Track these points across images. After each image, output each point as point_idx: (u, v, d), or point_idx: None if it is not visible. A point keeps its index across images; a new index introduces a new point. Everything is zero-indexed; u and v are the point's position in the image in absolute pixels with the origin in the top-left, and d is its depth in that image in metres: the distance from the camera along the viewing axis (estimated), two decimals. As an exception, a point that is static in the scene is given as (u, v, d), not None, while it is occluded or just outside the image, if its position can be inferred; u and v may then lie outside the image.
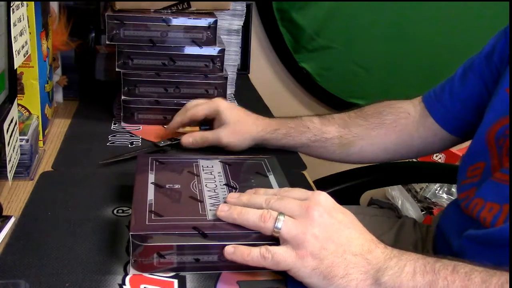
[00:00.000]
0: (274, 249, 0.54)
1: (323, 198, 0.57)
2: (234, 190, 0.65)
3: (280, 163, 0.74)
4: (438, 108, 0.85)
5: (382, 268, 0.52)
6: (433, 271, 0.51)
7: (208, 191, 0.65)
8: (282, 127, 0.88)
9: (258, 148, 0.88)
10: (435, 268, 0.51)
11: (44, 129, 0.87)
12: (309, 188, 0.79)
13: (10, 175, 0.67)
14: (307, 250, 0.53)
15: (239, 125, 0.86)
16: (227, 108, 0.87)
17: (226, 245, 0.57)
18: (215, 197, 0.63)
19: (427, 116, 0.86)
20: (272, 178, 0.69)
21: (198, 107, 0.88)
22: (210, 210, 0.60)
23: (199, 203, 0.62)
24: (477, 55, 0.82)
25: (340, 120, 0.89)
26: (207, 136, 0.87)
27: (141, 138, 0.93)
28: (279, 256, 0.54)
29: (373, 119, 0.88)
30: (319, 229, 0.54)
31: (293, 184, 0.68)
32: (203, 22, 0.94)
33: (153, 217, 0.58)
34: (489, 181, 0.69)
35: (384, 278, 0.51)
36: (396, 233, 0.92)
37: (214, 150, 0.90)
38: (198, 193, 0.64)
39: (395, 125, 0.88)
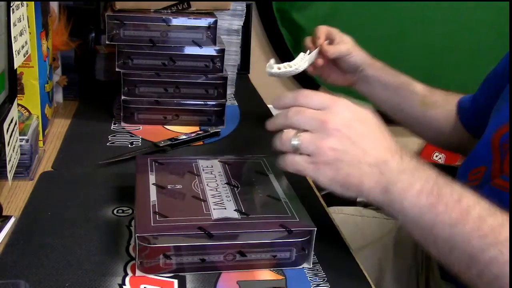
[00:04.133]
0: (296, 159, 0.57)
1: (341, 108, 0.57)
2: (236, 189, 0.65)
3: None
4: (464, 114, 0.91)
5: (393, 181, 0.55)
6: (438, 195, 0.53)
7: (210, 190, 0.65)
8: (379, 61, 0.96)
9: (259, 148, 0.88)
10: (442, 192, 0.53)
11: (44, 129, 0.87)
12: (308, 187, 0.79)
13: (10, 175, 0.67)
14: (324, 162, 0.56)
15: (355, 46, 0.97)
16: (341, 33, 0.97)
17: (232, 244, 0.57)
18: (218, 196, 0.63)
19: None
20: (272, 177, 0.70)
21: (320, 27, 0.98)
22: (214, 209, 0.60)
23: (203, 203, 0.62)
24: (495, 67, 0.86)
25: (425, 85, 0.94)
26: (337, 47, 0.95)
27: (141, 138, 0.93)
28: (299, 166, 0.57)
29: (452, 96, 0.93)
30: (335, 142, 0.55)
31: (293, 184, 0.68)
32: (203, 22, 0.94)
33: (157, 218, 0.58)
34: (488, 186, 0.69)
35: (392, 189, 0.55)
36: (396, 234, 0.92)
37: (213, 151, 0.90)
38: (200, 193, 0.64)
39: (455, 111, 0.91)
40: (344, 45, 0.93)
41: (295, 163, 0.57)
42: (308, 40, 0.95)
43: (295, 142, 0.57)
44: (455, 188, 0.54)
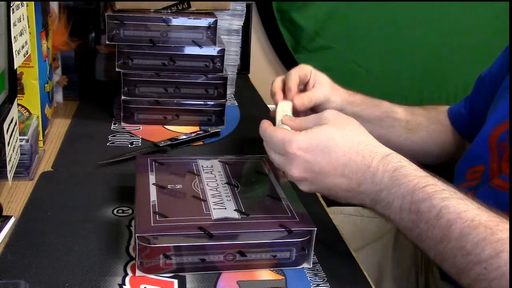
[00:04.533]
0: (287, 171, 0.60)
1: (296, 155, 0.57)
2: (236, 189, 0.66)
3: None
4: (461, 123, 0.89)
5: (374, 199, 0.56)
6: (417, 212, 0.52)
7: (210, 190, 0.65)
8: (359, 97, 0.91)
9: (259, 148, 0.88)
10: (420, 209, 0.52)
11: (44, 129, 0.87)
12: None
13: (10, 175, 0.67)
14: (302, 187, 0.60)
15: (329, 86, 0.87)
16: (315, 71, 0.88)
17: (232, 244, 0.57)
18: (218, 196, 0.63)
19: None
20: (272, 177, 0.70)
21: (291, 73, 0.85)
22: (214, 209, 0.60)
23: (203, 202, 0.62)
24: (489, 68, 0.85)
25: (406, 107, 0.91)
26: (312, 95, 0.84)
27: (141, 138, 0.93)
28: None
29: (433, 113, 0.91)
30: (306, 186, 0.59)
31: (293, 184, 0.68)
32: (203, 22, 0.94)
33: (158, 218, 0.58)
34: (487, 187, 0.69)
35: (376, 206, 0.56)
36: (395, 234, 0.92)
37: (213, 151, 0.90)
38: (200, 192, 0.64)
39: (447, 124, 0.90)
40: (320, 91, 0.82)
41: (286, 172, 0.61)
42: (278, 91, 0.83)
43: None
44: (434, 202, 0.51)
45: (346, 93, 0.88)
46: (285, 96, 0.82)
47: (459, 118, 0.89)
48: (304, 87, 0.85)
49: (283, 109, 0.76)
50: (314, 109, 0.83)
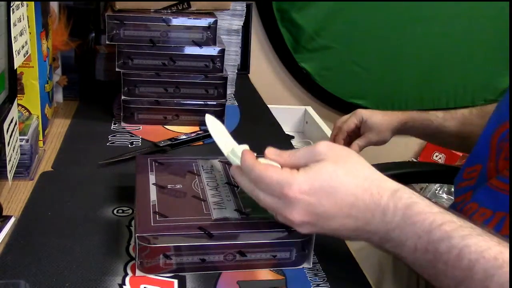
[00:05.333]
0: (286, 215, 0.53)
1: (296, 199, 0.51)
2: (236, 189, 0.65)
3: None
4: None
5: (384, 238, 0.51)
6: (435, 253, 0.48)
7: (210, 189, 0.65)
8: (409, 121, 1.01)
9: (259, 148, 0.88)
10: (439, 250, 0.48)
11: (44, 129, 0.87)
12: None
13: (10, 175, 0.67)
14: (302, 230, 0.54)
15: (381, 127, 1.01)
16: (368, 116, 1.02)
17: (232, 244, 0.57)
18: (218, 196, 0.63)
19: None
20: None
21: (349, 121, 1.02)
22: (214, 209, 0.60)
23: (203, 202, 0.62)
24: None
25: (461, 116, 0.97)
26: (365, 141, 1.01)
27: (141, 138, 0.93)
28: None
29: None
30: (308, 229, 0.54)
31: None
32: (203, 22, 0.94)
33: (158, 218, 0.58)
34: (484, 187, 0.69)
35: (386, 245, 0.52)
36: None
37: (213, 151, 0.90)
38: (200, 192, 0.64)
39: None
40: (373, 135, 1.01)
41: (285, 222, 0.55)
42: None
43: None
44: (454, 241, 0.48)
45: (397, 118, 1.01)
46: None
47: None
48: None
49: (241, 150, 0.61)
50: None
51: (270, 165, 0.55)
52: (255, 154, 0.57)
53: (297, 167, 0.53)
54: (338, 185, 0.51)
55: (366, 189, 0.51)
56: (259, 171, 0.53)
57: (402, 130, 1.01)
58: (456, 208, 0.74)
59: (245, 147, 0.61)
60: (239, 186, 0.61)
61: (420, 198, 0.51)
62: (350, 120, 1.02)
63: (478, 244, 0.47)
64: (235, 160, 0.59)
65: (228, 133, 0.68)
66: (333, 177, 0.51)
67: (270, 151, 0.57)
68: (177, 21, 0.94)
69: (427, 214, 0.49)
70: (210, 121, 0.69)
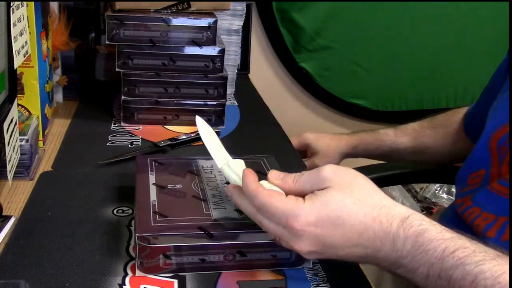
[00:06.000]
0: (292, 246, 0.52)
1: (302, 228, 0.50)
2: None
3: (279, 163, 0.74)
4: (469, 124, 0.93)
5: (395, 264, 0.50)
6: (448, 280, 0.47)
7: (210, 189, 0.65)
8: (360, 143, 1.01)
9: (259, 148, 0.88)
10: (452, 277, 0.47)
11: (44, 129, 0.87)
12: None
13: (10, 175, 0.67)
14: (308, 257, 0.54)
15: (327, 151, 1.01)
16: (313, 140, 1.02)
17: (232, 244, 0.57)
18: (218, 196, 0.63)
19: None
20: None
21: (293, 143, 0.98)
22: (214, 209, 0.60)
23: (203, 202, 0.62)
24: (497, 69, 0.87)
25: (413, 131, 0.98)
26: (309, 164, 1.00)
27: (141, 138, 0.93)
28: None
29: (442, 129, 0.96)
30: (314, 255, 0.52)
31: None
32: (203, 22, 0.94)
33: (158, 218, 0.58)
34: (485, 190, 0.69)
35: (398, 271, 0.50)
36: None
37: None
38: (200, 192, 0.64)
39: (460, 132, 0.94)
40: (321, 160, 1.00)
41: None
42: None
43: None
44: (468, 268, 0.47)
45: (346, 142, 1.00)
46: None
47: (467, 120, 0.92)
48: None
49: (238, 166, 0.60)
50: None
51: (275, 191, 0.53)
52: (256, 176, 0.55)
53: (302, 194, 0.52)
54: (346, 216, 0.50)
55: (375, 218, 0.50)
56: (263, 199, 0.52)
57: (352, 154, 1.02)
58: (457, 210, 0.74)
59: (241, 162, 0.59)
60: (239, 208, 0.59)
61: (431, 224, 0.50)
62: (294, 143, 1.00)
63: (493, 269, 0.46)
64: (231, 176, 0.58)
65: (219, 141, 0.66)
66: (341, 207, 0.50)
67: (273, 175, 0.55)
68: (177, 21, 0.94)
69: (439, 241, 0.48)
70: (201, 124, 0.67)
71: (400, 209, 0.51)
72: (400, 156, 0.99)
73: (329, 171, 0.52)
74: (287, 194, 0.53)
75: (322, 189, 0.51)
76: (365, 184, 0.52)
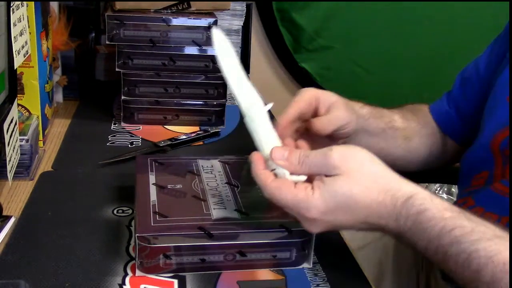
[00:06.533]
0: (303, 223, 0.55)
1: (311, 216, 0.53)
2: (236, 189, 0.65)
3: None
4: (452, 126, 0.84)
5: (398, 236, 0.54)
6: (445, 255, 0.50)
7: (210, 189, 0.65)
8: (366, 106, 0.80)
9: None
10: (448, 253, 0.50)
11: (44, 129, 0.87)
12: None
13: (10, 175, 0.67)
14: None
15: (346, 103, 0.75)
16: (323, 93, 0.74)
17: (232, 244, 0.57)
18: (218, 196, 0.63)
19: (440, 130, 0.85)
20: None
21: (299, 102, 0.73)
22: (214, 208, 0.60)
23: (203, 202, 0.62)
24: (469, 67, 0.83)
25: (400, 112, 0.84)
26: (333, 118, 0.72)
27: (141, 138, 0.93)
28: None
29: (420, 115, 0.85)
30: (323, 230, 0.55)
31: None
32: (203, 22, 0.94)
33: (158, 218, 0.58)
34: (487, 190, 0.69)
35: (401, 239, 0.54)
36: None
37: (213, 151, 0.90)
38: (200, 192, 0.64)
39: (433, 126, 0.85)
40: (336, 115, 0.70)
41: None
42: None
43: None
44: (463, 246, 0.49)
45: (356, 105, 0.78)
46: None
47: (448, 121, 0.84)
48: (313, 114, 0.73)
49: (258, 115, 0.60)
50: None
51: (283, 183, 0.54)
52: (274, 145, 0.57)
53: (309, 176, 0.55)
54: (353, 204, 0.52)
55: (380, 202, 0.53)
56: (272, 191, 0.54)
57: (362, 116, 0.77)
58: None
59: (267, 107, 0.60)
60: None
61: (432, 203, 0.52)
62: (299, 106, 0.72)
63: (488, 249, 0.48)
64: (251, 124, 0.58)
65: (240, 67, 0.61)
66: (349, 197, 0.52)
67: (277, 155, 0.55)
68: (177, 21, 0.94)
69: (437, 220, 0.51)
70: (219, 41, 0.61)
71: (404, 190, 0.53)
72: (394, 138, 0.82)
73: (337, 157, 0.53)
74: (296, 185, 0.54)
75: (330, 176, 0.53)
76: (372, 168, 0.54)
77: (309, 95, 0.70)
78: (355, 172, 0.53)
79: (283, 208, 0.54)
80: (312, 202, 0.52)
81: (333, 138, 0.72)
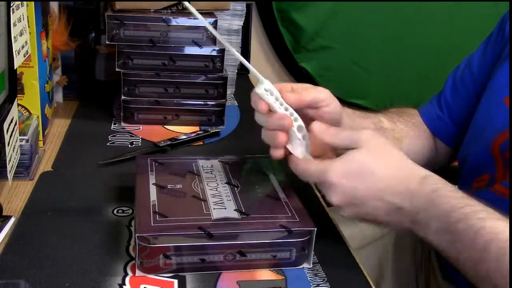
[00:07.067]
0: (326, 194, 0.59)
1: (335, 180, 0.57)
2: (236, 189, 0.65)
3: (279, 163, 0.74)
4: (442, 128, 0.84)
5: (413, 221, 0.56)
6: (454, 233, 0.52)
7: (210, 189, 0.65)
8: (349, 107, 0.79)
9: (259, 148, 0.88)
10: (457, 230, 0.52)
11: (44, 129, 0.87)
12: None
13: (10, 175, 0.67)
14: (344, 212, 0.59)
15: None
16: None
17: (232, 244, 0.57)
18: (218, 196, 0.63)
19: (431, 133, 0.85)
20: (272, 177, 0.69)
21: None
22: (214, 209, 0.60)
23: (203, 202, 0.62)
24: (462, 66, 0.82)
25: (384, 114, 0.83)
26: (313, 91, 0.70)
27: (141, 138, 0.93)
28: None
29: (406, 117, 0.85)
30: (345, 211, 0.59)
31: (293, 184, 0.68)
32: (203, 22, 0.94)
33: (157, 218, 0.58)
34: (488, 191, 0.69)
35: (414, 227, 0.56)
36: (396, 234, 0.92)
37: (213, 151, 0.90)
38: (200, 192, 0.64)
39: (422, 129, 0.84)
40: (314, 88, 0.69)
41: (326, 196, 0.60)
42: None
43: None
44: (471, 222, 0.52)
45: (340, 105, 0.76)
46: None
47: (438, 123, 0.84)
48: None
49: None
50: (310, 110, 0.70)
51: (311, 161, 0.61)
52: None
53: (337, 147, 0.60)
54: (368, 173, 0.57)
55: (398, 178, 0.57)
56: (302, 167, 0.60)
57: (347, 113, 0.76)
58: None
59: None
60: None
61: (445, 184, 0.56)
62: (308, 98, 0.70)
63: (494, 226, 0.51)
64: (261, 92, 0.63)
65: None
66: (363, 165, 0.57)
67: (318, 128, 0.61)
68: (177, 21, 0.94)
69: (449, 198, 0.54)
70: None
71: (420, 171, 0.58)
72: (384, 137, 0.86)
73: (367, 135, 0.58)
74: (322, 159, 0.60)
75: (355, 149, 0.58)
76: (393, 150, 0.59)
77: (284, 84, 0.68)
78: (377, 148, 0.58)
79: (307, 179, 0.60)
80: (332, 165, 0.57)
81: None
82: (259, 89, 0.63)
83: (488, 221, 0.51)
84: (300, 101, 0.64)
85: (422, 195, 0.55)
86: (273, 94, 0.62)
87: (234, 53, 0.64)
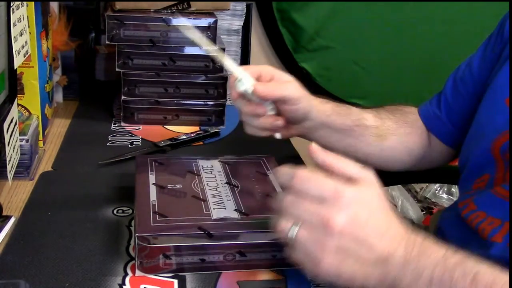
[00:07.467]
0: (295, 251, 0.52)
1: (346, 203, 0.50)
2: (236, 189, 0.66)
3: (279, 163, 0.74)
4: (439, 127, 0.83)
5: (398, 277, 0.51)
6: (450, 280, 0.49)
7: (210, 189, 0.65)
8: (329, 102, 0.80)
9: (259, 148, 0.88)
10: (454, 277, 0.49)
11: (44, 129, 0.87)
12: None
13: (10, 175, 0.67)
14: (323, 269, 0.51)
15: (298, 85, 0.77)
16: (280, 72, 0.78)
17: (232, 244, 0.57)
18: (218, 196, 0.63)
19: (429, 132, 0.84)
20: (272, 176, 0.70)
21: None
22: (214, 209, 0.60)
23: (203, 202, 0.62)
24: (462, 67, 0.82)
25: (374, 111, 0.84)
26: (281, 85, 0.75)
27: (141, 138, 0.93)
28: (298, 259, 0.52)
29: (398, 115, 0.84)
30: (339, 243, 0.50)
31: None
32: (203, 22, 0.94)
33: (157, 218, 0.58)
34: (488, 194, 0.69)
35: (400, 285, 0.51)
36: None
37: (213, 151, 0.90)
38: (200, 192, 0.64)
39: (417, 127, 0.84)
40: (286, 84, 0.74)
41: (294, 254, 0.52)
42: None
43: (292, 235, 0.50)
44: (467, 266, 0.49)
45: (316, 100, 0.79)
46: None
47: (435, 122, 0.83)
48: None
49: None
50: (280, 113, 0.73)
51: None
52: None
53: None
54: (382, 207, 0.53)
55: (396, 223, 0.53)
56: (308, 173, 0.52)
57: (322, 111, 0.79)
58: (460, 213, 0.73)
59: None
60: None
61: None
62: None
63: (490, 268, 0.49)
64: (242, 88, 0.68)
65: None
66: (379, 197, 0.53)
67: (316, 149, 0.54)
68: (177, 21, 0.94)
69: (439, 246, 0.51)
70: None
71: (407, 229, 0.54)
72: (364, 135, 0.82)
73: (370, 176, 0.54)
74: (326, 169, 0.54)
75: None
76: (379, 203, 0.54)
77: (266, 68, 0.75)
78: (364, 202, 0.52)
79: (313, 192, 0.51)
80: (349, 186, 0.51)
81: (290, 121, 0.74)
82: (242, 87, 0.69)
83: (484, 264, 0.49)
84: (268, 96, 0.70)
85: (415, 244, 0.51)
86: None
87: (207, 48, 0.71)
